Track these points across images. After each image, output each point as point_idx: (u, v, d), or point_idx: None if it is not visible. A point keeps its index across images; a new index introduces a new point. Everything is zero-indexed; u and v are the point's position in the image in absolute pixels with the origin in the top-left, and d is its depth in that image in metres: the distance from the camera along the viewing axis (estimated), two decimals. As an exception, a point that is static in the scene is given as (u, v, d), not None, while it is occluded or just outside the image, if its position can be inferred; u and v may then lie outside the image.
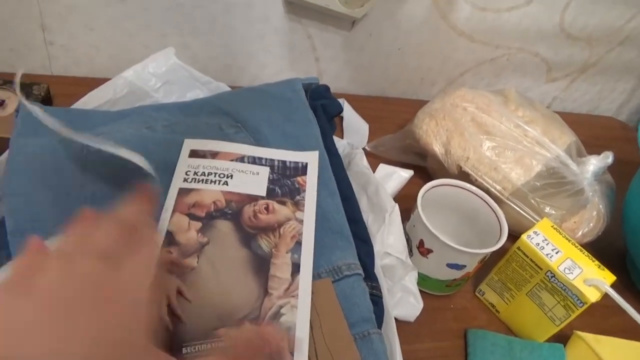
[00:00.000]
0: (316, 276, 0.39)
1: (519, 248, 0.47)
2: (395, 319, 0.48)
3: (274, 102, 0.51)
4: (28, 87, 0.57)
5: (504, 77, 0.80)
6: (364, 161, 0.55)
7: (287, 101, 0.51)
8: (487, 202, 0.50)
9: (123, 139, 0.45)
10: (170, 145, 0.45)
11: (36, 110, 0.48)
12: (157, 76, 0.60)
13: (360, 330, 0.36)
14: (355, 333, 0.36)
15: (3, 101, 0.54)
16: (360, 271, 0.40)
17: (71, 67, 0.65)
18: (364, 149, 0.65)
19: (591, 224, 0.55)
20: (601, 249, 0.55)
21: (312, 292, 0.37)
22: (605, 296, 0.43)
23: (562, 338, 0.49)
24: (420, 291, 0.50)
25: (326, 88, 0.56)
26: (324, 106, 0.53)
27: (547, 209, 0.54)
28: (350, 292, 0.38)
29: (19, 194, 0.39)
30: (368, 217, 0.49)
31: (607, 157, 0.56)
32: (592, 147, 0.61)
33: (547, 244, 0.46)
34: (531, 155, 0.56)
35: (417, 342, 0.48)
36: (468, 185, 0.51)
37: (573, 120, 0.67)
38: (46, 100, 0.58)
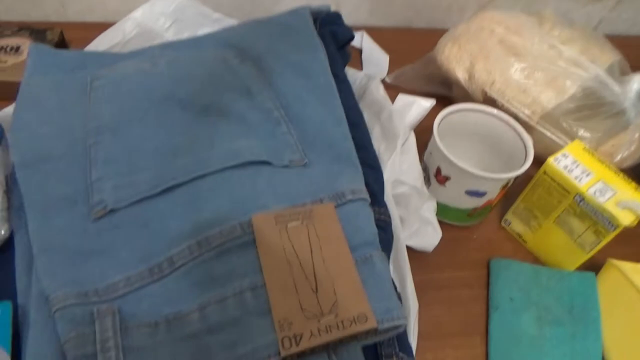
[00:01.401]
0: (318, 201, 0.37)
1: (545, 172, 0.43)
2: (414, 249, 0.46)
3: (280, 31, 0.49)
4: (41, 32, 0.57)
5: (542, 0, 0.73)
6: (379, 90, 0.52)
7: (293, 29, 0.49)
8: (511, 125, 0.47)
9: (124, 75, 0.44)
10: (174, 80, 0.44)
11: (46, 48, 0.48)
12: (166, 15, 0.59)
13: (362, 254, 0.35)
14: (357, 256, 0.34)
15: (18, 47, 0.55)
16: (366, 196, 0.38)
17: (85, 13, 0.64)
18: (383, 81, 0.61)
19: (632, 147, 0.50)
20: (644, 174, 0.51)
21: (313, 217, 0.36)
22: None
23: (595, 268, 0.46)
24: (442, 222, 0.48)
25: (337, 15, 0.53)
26: (332, 32, 0.50)
27: (581, 132, 0.49)
28: (354, 217, 0.36)
29: (24, 128, 0.39)
30: (380, 145, 0.46)
31: (653, 73, 0.51)
32: (641, 68, 0.55)
33: (576, 167, 0.42)
34: (565, 76, 0.52)
35: (436, 272, 0.46)
36: (490, 109, 0.48)
37: (622, 43, 0.60)
38: (60, 45, 0.58)
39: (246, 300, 0.32)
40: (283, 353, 0.29)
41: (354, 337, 0.32)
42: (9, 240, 0.38)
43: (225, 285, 0.33)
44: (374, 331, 0.31)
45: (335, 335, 0.30)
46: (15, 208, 0.39)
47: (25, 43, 0.56)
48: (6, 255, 0.38)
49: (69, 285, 0.32)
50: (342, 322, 0.31)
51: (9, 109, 0.46)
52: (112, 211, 0.36)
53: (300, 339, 0.30)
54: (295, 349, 0.30)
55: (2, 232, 0.37)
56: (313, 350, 0.31)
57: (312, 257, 0.34)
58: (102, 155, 0.39)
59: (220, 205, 0.36)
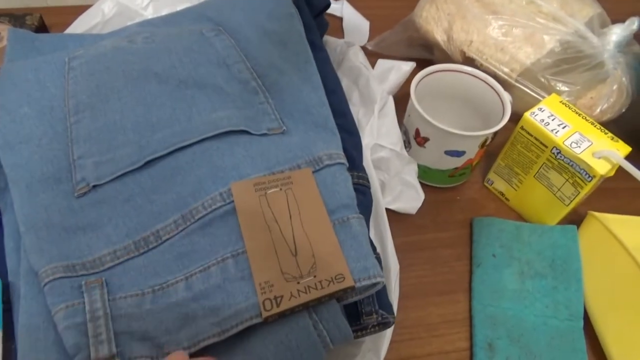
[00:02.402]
0: (296, 167, 0.38)
1: (522, 127, 0.44)
2: (397, 212, 0.47)
3: (255, 2, 0.49)
4: (21, 17, 0.57)
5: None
6: (358, 57, 0.52)
7: (269, -1, 0.49)
8: (488, 84, 0.47)
9: (102, 53, 0.45)
10: (150, 55, 0.45)
11: (25, 32, 0.48)
12: (143, -7, 0.58)
13: (339, 216, 0.35)
14: (335, 219, 0.35)
15: (-2, 34, 0.55)
16: (343, 160, 0.39)
17: (64, -3, 0.64)
18: (365, 48, 0.61)
19: (611, 99, 0.50)
20: (626, 126, 0.51)
21: (291, 183, 0.36)
22: (632, 178, 0.40)
23: (577, 221, 0.46)
24: (424, 185, 0.49)
25: (313, -18, 0.52)
26: (307, 0, 0.49)
27: (560, 86, 0.49)
28: (332, 181, 0.37)
29: (5, 110, 0.40)
30: (359, 111, 0.47)
31: (633, 24, 0.50)
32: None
33: (552, 120, 0.43)
34: (543, 31, 0.51)
35: (419, 234, 0.47)
36: (467, 68, 0.48)
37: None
38: (40, 30, 0.58)
39: (228, 267, 0.33)
40: (264, 314, 0.31)
41: (332, 296, 0.32)
42: (-3, 221, 0.39)
43: (209, 255, 0.34)
44: (352, 289, 0.32)
45: (314, 295, 0.32)
46: (1, 189, 0.40)
47: (4, 29, 0.56)
48: (-5, 236, 0.39)
49: (56, 259, 0.33)
50: (320, 282, 0.32)
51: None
52: (94, 187, 0.37)
53: (281, 300, 0.31)
54: (276, 310, 0.31)
55: (-11, 213, 0.38)
56: (293, 310, 0.32)
57: (291, 222, 0.34)
58: (82, 133, 0.39)
59: (200, 175, 0.37)
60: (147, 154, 0.38)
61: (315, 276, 0.32)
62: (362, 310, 0.35)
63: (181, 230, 0.35)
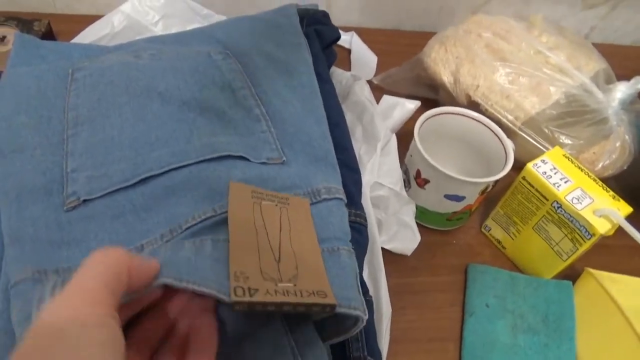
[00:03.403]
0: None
1: (524, 177, 0.43)
2: (392, 252, 0.46)
3: (265, 28, 0.49)
4: (29, 23, 0.57)
5: (535, 4, 0.73)
6: (364, 91, 0.52)
7: (279, 26, 0.49)
8: (492, 130, 0.47)
9: (107, 67, 0.44)
10: (155, 73, 0.44)
11: (31, 38, 0.48)
12: (155, 9, 0.58)
13: (329, 245, 0.34)
14: (324, 247, 0.34)
15: (4, 37, 0.55)
16: (342, 196, 0.38)
17: (74, 5, 0.64)
18: (371, 82, 0.61)
19: (614, 156, 0.50)
20: (626, 184, 0.51)
21: (288, 204, 0.35)
22: (628, 235, 0.39)
23: (572, 277, 0.46)
24: (421, 226, 0.49)
25: (324, 14, 0.53)
26: (318, 31, 0.49)
27: (563, 139, 0.49)
28: (327, 214, 0.36)
29: (1, 118, 0.39)
30: (361, 147, 0.46)
31: (638, 83, 0.50)
32: (630, 78, 0.54)
33: (555, 173, 0.42)
34: (550, 83, 0.51)
35: (413, 276, 0.46)
36: (472, 113, 0.48)
37: (613, 52, 0.60)
38: (47, 37, 0.58)
39: (205, 246, 0.31)
40: (234, 298, 0.27)
41: (309, 309, 0.29)
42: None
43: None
44: (331, 309, 0.29)
45: (291, 299, 0.28)
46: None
47: (11, 33, 0.55)
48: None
49: (40, 273, 0.32)
50: (300, 291, 0.29)
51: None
52: (85, 202, 0.36)
53: (255, 292, 0.28)
54: (247, 299, 0.27)
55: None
56: (265, 310, 0.28)
57: (280, 234, 0.33)
58: (78, 146, 0.38)
59: (195, 196, 0.36)
60: (141, 172, 0.37)
61: (295, 285, 0.30)
62: (350, 355, 0.34)
63: (166, 242, 0.33)
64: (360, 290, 0.32)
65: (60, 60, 0.46)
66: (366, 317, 0.31)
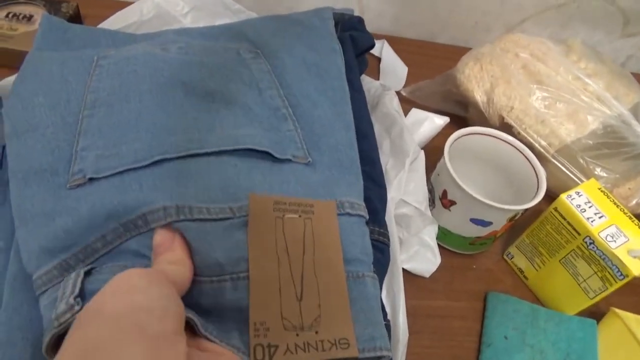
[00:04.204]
0: None
1: (555, 209, 0.41)
2: (410, 272, 0.45)
3: (299, 30, 0.47)
4: (57, 4, 0.56)
5: (572, 27, 0.71)
6: (393, 103, 0.50)
7: (313, 29, 0.47)
8: (526, 155, 0.45)
9: (132, 56, 0.43)
10: (182, 65, 0.43)
11: (58, 20, 0.47)
12: (185, 0, 0.57)
13: (354, 269, 0.32)
14: (349, 271, 0.32)
15: (31, 16, 0.54)
16: (364, 213, 0.36)
17: (104, -11, 0.63)
18: (399, 93, 0.60)
19: (649, 193, 0.48)
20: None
21: (312, 212, 0.33)
22: None
23: (596, 315, 0.44)
24: (441, 247, 0.47)
25: (359, 20, 0.51)
26: (352, 38, 0.48)
27: (598, 171, 0.47)
28: (350, 231, 0.34)
29: (20, 98, 0.38)
30: (388, 161, 0.45)
31: (680, 119, 0.48)
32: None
33: (589, 207, 0.40)
34: (587, 111, 0.50)
35: (431, 299, 0.45)
36: (505, 136, 0.46)
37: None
38: (74, 19, 0.57)
39: (224, 290, 0.29)
40: None
41: None
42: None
43: (203, 264, 0.29)
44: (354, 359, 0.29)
45: (312, 356, 0.28)
46: (4, 183, 0.38)
47: (38, 12, 0.54)
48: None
49: (47, 257, 0.30)
50: (322, 342, 0.29)
51: (12, 78, 0.44)
52: (90, 180, 0.33)
53: (275, 351, 0.27)
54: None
55: (-15, 206, 0.36)
56: None
57: (303, 258, 0.31)
58: (92, 126, 0.36)
59: (209, 186, 0.33)
60: (155, 154, 0.34)
61: (317, 332, 0.29)
62: (364, 382, 0.32)
63: (170, 223, 0.29)
64: (384, 322, 0.31)
65: (86, 48, 0.45)
66: (390, 355, 0.29)
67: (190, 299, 0.28)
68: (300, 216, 0.32)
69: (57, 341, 0.25)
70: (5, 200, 0.36)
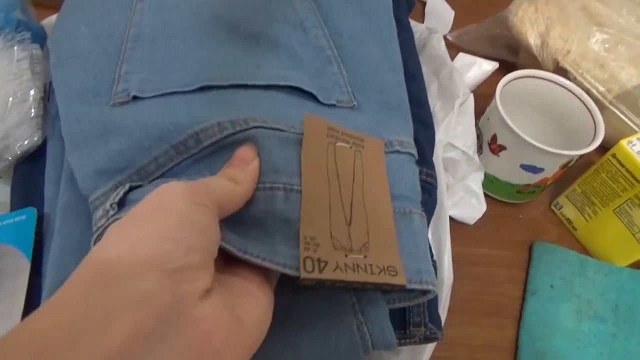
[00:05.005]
0: None
1: (614, 155, 0.39)
2: (454, 219, 0.44)
3: (345, -34, 0.45)
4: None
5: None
6: (441, 46, 0.48)
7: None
8: (582, 100, 0.42)
9: None
10: (225, 2, 0.41)
11: None
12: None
13: (401, 206, 0.32)
14: (396, 207, 0.31)
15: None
16: (414, 151, 0.35)
17: None
18: (445, 38, 0.57)
19: None
20: None
21: (363, 147, 0.32)
22: None
23: (648, 268, 0.42)
24: (487, 195, 0.46)
25: (407, -44, 0.48)
26: (400, -27, 0.45)
27: (660, 118, 0.45)
28: (399, 168, 0.33)
29: (64, 31, 0.38)
30: (435, 104, 0.43)
31: None
32: None
33: (651, 154, 0.38)
34: (651, 55, 0.46)
35: (474, 246, 0.44)
36: (562, 80, 0.43)
37: None
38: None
39: (275, 200, 0.28)
40: (303, 274, 0.25)
41: (378, 287, 0.28)
42: (42, 149, 0.37)
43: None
44: (401, 288, 0.28)
45: (361, 276, 0.27)
46: (51, 116, 0.38)
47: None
48: (37, 163, 0.37)
49: (103, 179, 0.29)
50: (370, 266, 0.27)
51: (54, 17, 0.44)
52: (135, 99, 0.32)
53: (325, 266, 0.26)
54: (317, 275, 0.25)
55: (35, 138, 0.36)
56: (333, 285, 0.26)
57: (352, 186, 0.30)
58: (136, 56, 0.36)
59: (261, 110, 0.31)
60: (203, 79, 0.33)
61: (365, 256, 0.28)
62: (410, 320, 0.32)
63: (226, 136, 0.28)
64: (431, 261, 0.30)
65: None
66: (436, 290, 0.28)
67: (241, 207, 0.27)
68: (351, 147, 0.31)
69: None
70: (54, 132, 0.36)
